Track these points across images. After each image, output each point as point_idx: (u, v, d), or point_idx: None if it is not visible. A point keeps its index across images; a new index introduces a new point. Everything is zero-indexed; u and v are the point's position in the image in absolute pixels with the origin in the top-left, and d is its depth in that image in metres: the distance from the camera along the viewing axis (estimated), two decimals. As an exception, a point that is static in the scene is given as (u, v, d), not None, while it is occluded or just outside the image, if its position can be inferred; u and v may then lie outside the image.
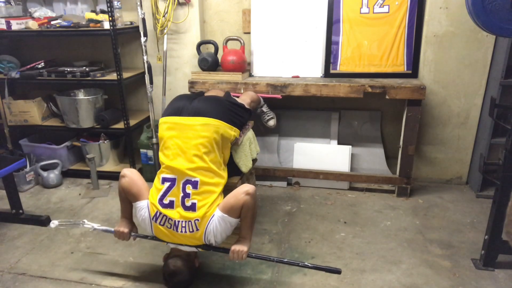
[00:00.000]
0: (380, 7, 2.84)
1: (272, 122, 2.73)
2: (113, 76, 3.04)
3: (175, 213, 1.83)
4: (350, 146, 3.04)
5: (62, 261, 2.26)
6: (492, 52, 2.76)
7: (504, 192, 1.94)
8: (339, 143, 3.16)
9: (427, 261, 2.19)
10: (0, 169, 2.42)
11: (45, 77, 3.08)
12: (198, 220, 1.81)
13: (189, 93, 2.95)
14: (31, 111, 3.23)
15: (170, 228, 1.85)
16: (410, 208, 2.77)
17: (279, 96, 2.83)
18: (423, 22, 2.82)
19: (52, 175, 3.17)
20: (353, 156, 3.11)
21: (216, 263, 2.21)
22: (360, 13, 2.88)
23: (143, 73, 3.06)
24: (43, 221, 2.62)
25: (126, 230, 2.03)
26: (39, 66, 3.23)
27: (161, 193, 1.86)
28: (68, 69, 3.14)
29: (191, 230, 1.82)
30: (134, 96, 3.53)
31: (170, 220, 1.83)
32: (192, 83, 2.97)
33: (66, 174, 3.33)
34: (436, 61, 2.86)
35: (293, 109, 3.28)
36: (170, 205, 1.84)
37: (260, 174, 3.03)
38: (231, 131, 1.99)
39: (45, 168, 3.21)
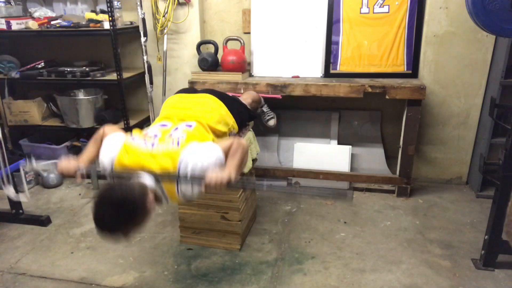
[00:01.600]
0: (380, 7, 2.84)
1: (272, 122, 2.73)
2: (113, 76, 3.04)
3: (159, 140, 1.60)
4: (350, 146, 3.03)
5: (62, 261, 2.26)
6: (492, 52, 2.76)
7: (504, 192, 1.94)
8: (339, 143, 3.16)
9: (427, 261, 2.19)
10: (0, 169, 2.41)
11: (45, 77, 3.08)
12: (183, 137, 1.60)
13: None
14: (31, 111, 3.22)
15: (145, 146, 1.56)
16: (410, 208, 2.77)
17: (279, 96, 2.83)
18: (423, 22, 2.82)
19: (52, 175, 3.17)
20: (353, 156, 3.11)
21: (216, 263, 2.21)
22: (360, 13, 2.88)
23: (143, 73, 3.06)
24: (43, 221, 2.62)
25: (72, 163, 1.63)
26: (39, 66, 3.23)
27: (148, 128, 1.72)
28: (68, 69, 3.13)
29: (170, 146, 1.56)
30: (134, 96, 3.53)
31: (149, 140, 1.59)
32: (192, 83, 2.97)
33: (66, 174, 3.32)
34: (436, 61, 2.86)
35: (293, 109, 3.28)
36: (156, 135, 1.64)
37: (260, 174, 3.02)
38: (230, 120, 2.00)
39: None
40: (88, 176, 1.57)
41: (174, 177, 1.50)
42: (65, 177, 1.65)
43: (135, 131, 1.69)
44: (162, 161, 1.51)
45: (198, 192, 1.55)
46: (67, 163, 1.62)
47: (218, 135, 1.86)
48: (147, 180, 1.48)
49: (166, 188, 1.53)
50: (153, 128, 1.73)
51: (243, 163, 1.59)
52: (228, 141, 1.63)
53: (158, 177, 1.50)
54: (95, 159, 1.68)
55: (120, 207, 1.34)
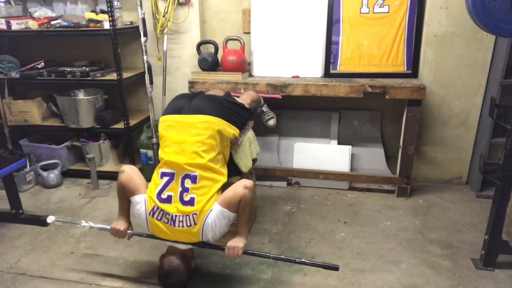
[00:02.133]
0: (380, 7, 2.84)
1: (272, 122, 2.73)
2: (113, 76, 3.04)
3: (173, 208, 1.82)
4: (350, 146, 3.03)
5: (62, 261, 2.26)
6: (492, 52, 2.76)
7: (504, 192, 1.94)
8: (339, 143, 3.16)
9: (427, 261, 2.19)
10: (0, 169, 2.42)
11: (45, 77, 3.08)
12: (196, 214, 1.80)
13: (189, 92, 2.96)
14: (31, 111, 3.23)
15: (167, 223, 1.84)
16: (410, 208, 2.77)
17: (279, 96, 2.83)
18: (423, 22, 2.82)
19: (52, 175, 3.17)
20: (353, 156, 3.11)
21: (216, 263, 2.21)
22: (360, 13, 2.88)
23: (143, 73, 3.06)
24: (43, 221, 2.61)
25: (122, 227, 2.01)
26: (39, 66, 3.23)
27: (159, 187, 1.86)
28: (68, 69, 3.14)
29: (188, 224, 1.81)
30: (134, 96, 3.53)
31: (168, 214, 1.83)
32: (192, 83, 2.97)
33: (66, 174, 3.32)
34: (436, 61, 2.86)
35: (293, 109, 3.28)
36: (168, 199, 1.84)
37: (260, 174, 3.02)
38: (230, 130, 2.00)
39: (45, 168, 3.21)
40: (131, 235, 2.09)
41: (200, 245, 1.91)
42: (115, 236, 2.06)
43: (150, 188, 1.91)
44: (188, 238, 1.88)
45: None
46: (118, 229, 2.01)
47: (220, 157, 1.97)
48: (182, 246, 1.94)
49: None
50: (163, 183, 1.88)
51: (252, 213, 1.94)
52: (235, 195, 1.82)
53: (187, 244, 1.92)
54: (129, 209, 2.06)
55: (182, 283, 1.97)
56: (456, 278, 2.05)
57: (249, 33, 3.12)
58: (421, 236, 2.43)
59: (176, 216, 1.82)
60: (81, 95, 3.31)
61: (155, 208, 1.85)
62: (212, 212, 1.81)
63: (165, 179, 1.87)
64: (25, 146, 3.39)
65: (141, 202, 1.90)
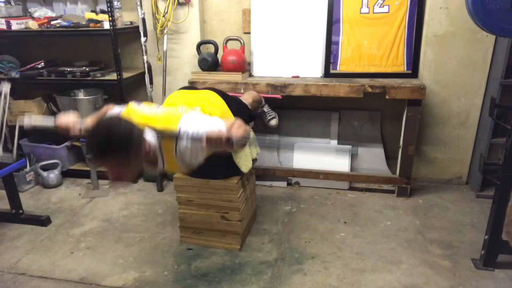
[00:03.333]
0: (380, 7, 2.84)
1: (274, 122, 2.73)
2: (113, 76, 3.04)
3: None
4: (350, 146, 3.03)
5: (62, 261, 2.26)
6: (492, 52, 2.76)
7: (504, 192, 1.94)
8: (339, 143, 3.16)
9: (427, 261, 2.19)
10: (0, 169, 2.42)
11: (45, 77, 3.08)
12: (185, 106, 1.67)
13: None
14: (31, 111, 3.22)
15: (148, 110, 1.62)
16: (410, 208, 2.77)
17: (279, 96, 2.83)
18: (423, 22, 2.82)
19: (52, 175, 3.17)
20: (353, 156, 3.11)
21: (216, 263, 2.21)
22: (360, 13, 2.88)
23: (143, 73, 3.06)
24: (43, 221, 2.62)
25: (71, 115, 1.67)
26: (39, 66, 3.23)
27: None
28: (68, 69, 3.14)
29: (174, 111, 1.62)
30: (134, 96, 3.53)
31: (150, 107, 1.65)
32: (192, 83, 2.97)
33: (66, 174, 3.32)
34: (436, 61, 2.86)
35: (293, 109, 3.28)
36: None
37: (260, 174, 3.02)
38: (230, 117, 2.00)
39: (45, 168, 3.21)
40: (81, 136, 1.68)
41: (174, 134, 1.50)
42: (62, 131, 1.63)
43: (143, 103, 1.71)
44: (165, 122, 1.52)
45: (196, 152, 1.53)
46: (66, 115, 1.63)
47: None
48: (148, 135, 1.47)
49: (165, 147, 1.53)
50: (159, 107, 1.74)
51: (245, 137, 1.50)
52: (230, 119, 1.66)
53: (158, 133, 1.50)
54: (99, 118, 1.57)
55: (117, 131, 1.33)
56: (456, 278, 2.05)
57: (249, 33, 3.12)
58: (421, 236, 2.43)
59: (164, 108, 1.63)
60: (81, 95, 3.31)
61: (143, 104, 1.66)
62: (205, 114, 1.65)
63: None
64: (25, 146, 3.39)
65: (124, 106, 1.65)
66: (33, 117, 1.77)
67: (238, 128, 1.49)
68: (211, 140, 1.45)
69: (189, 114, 1.57)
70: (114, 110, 1.67)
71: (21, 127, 1.75)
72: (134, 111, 1.59)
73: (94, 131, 1.36)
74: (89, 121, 1.64)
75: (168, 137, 1.51)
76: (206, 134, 1.46)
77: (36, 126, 1.72)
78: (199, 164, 1.62)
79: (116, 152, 1.32)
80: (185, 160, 1.56)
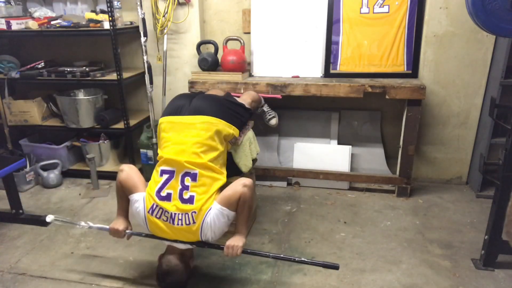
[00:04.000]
0: (380, 7, 2.84)
1: (274, 121, 2.73)
2: (113, 76, 3.04)
3: (172, 206, 1.81)
4: (350, 146, 3.03)
5: (62, 261, 2.26)
6: (492, 52, 2.76)
7: (504, 192, 1.94)
8: (339, 143, 3.16)
9: (427, 261, 2.19)
10: (0, 169, 2.42)
11: (45, 77, 3.08)
12: (195, 212, 1.79)
13: (188, 92, 2.96)
14: (31, 111, 3.23)
15: (166, 221, 1.82)
16: (410, 208, 2.77)
17: (279, 96, 2.83)
18: (423, 22, 2.82)
19: (52, 175, 3.17)
20: (353, 156, 3.11)
21: (216, 263, 2.21)
22: (360, 13, 2.88)
23: (143, 73, 3.06)
24: (43, 221, 2.61)
25: (121, 227, 2.00)
26: (39, 66, 3.23)
27: (159, 185, 1.85)
28: (68, 69, 3.14)
29: (187, 222, 1.80)
30: (134, 96, 3.53)
31: (167, 212, 1.81)
32: (192, 83, 2.97)
33: (66, 174, 3.32)
34: (436, 61, 2.86)
35: (293, 109, 3.28)
36: (168, 197, 1.83)
37: (260, 174, 3.02)
38: (230, 130, 2.00)
39: (45, 168, 3.21)
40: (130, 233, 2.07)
41: (199, 244, 1.91)
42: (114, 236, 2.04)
43: (150, 186, 1.90)
44: (186, 236, 1.86)
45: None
46: (117, 228, 2.00)
47: (220, 157, 1.96)
48: (181, 245, 1.92)
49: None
50: (163, 180, 1.87)
51: (251, 212, 1.88)
52: (235, 193, 1.81)
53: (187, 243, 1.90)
54: (128, 208, 2.04)
55: (181, 283, 1.95)
56: (456, 278, 2.05)
57: (249, 33, 3.12)
58: (421, 236, 2.43)
59: (175, 214, 1.80)
60: (81, 95, 3.31)
61: (154, 206, 1.84)
62: (211, 211, 1.80)
63: (165, 176, 1.86)
64: (25, 146, 3.39)
65: (140, 200, 1.88)
66: (91, 223, 2.13)
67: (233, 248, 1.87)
68: (227, 255, 1.89)
69: (203, 227, 1.81)
70: (132, 199, 1.96)
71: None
72: (153, 221, 1.86)
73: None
74: (124, 214, 2.08)
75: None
76: (224, 250, 1.88)
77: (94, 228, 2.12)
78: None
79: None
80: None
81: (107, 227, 2.04)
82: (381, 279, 2.05)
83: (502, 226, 1.96)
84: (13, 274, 2.15)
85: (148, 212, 1.85)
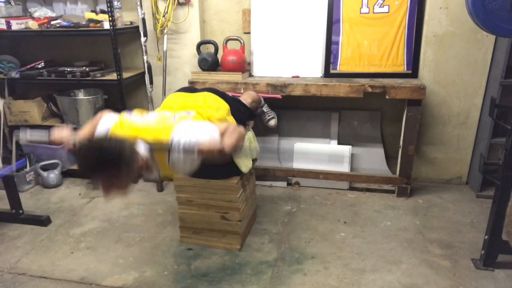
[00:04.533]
0: (380, 7, 2.84)
1: (273, 122, 2.73)
2: (113, 76, 3.04)
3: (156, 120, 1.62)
4: (350, 146, 3.03)
5: (62, 261, 2.26)
6: (492, 52, 2.75)
7: (504, 192, 1.94)
8: (339, 143, 3.16)
9: (427, 261, 2.19)
10: (0, 169, 2.41)
11: (45, 77, 3.07)
12: (178, 115, 1.64)
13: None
14: (31, 111, 3.22)
15: (140, 120, 1.60)
16: (410, 208, 2.77)
17: (279, 96, 2.83)
18: (423, 22, 2.82)
19: (52, 175, 3.17)
20: (353, 156, 3.11)
21: (216, 263, 2.21)
22: (360, 13, 2.88)
23: (143, 73, 3.06)
24: (43, 221, 2.62)
25: (65, 129, 1.66)
26: (39, 66, 3.23)
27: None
28: (68, 69, 3.13)
29: (166, 122, 1.59)
30: (134, 96, 3.53)
31: (145, 117, 1.63)
32: (192, 83, 2.97)
33: (66, 174, 3.32)
34: (436, 61, 2.86)
35: (293, 109, 3.28)
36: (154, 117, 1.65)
37: (260, 174, 3.02)
38: (229, 117, 2.00)
39: (45, 168, 3.21)
40: (77, 148, 1.55)
41: (166, 146, 1.51)
42: (56, 144, 1.63)
43: (135, 110, 1.72)
44: (157, 133, 1.53)
45: (189, 162, 1.55)
46: (60, 129, 1.64)
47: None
48: (140, 147, 1.48)
49: (158, 158, 1.54)
50: (153, 113, 1.74)
51: (239, 144, 1.56)
52: (225, 123, 1.65)
53: (151, 146, 1.51)
54: (89, 137, 1.63)
55: (107, 151, 1.34)
56: (456, 278, 2.05)
57: (249, 33, 3.12)
58: (421, 236, 2.43)
59: (157, 114, 1.61)
60: (81, 95, 3.31)
61: (135, 113, 1.65)
62: (196, 121, 1.62)
63: (157, 113, 1.71)
64: (25, 146, 3.37)
65: (117, 116, 1.64)
66: (29, 132, 1.76)
67: (231, 133, 1.53)
68: (203, 151, 1.47)
69: (181, 124, 1.56)
70: (107, 118, 1.67)
71: (17, 142, 1.81)
72: (126, 123, 1.61)
73: (84, 153, 1.37)
74: (83, 133, 1.66)
75: (161, 149, 1.53)
76: (198, 145, 1.47)
77: (32, 141, 1.76)
78: (194, 170, 1.63)
79: (108, 170, 1.35)
80: (179, 168, 1.58)
81: (48, 130, 1.72)
82: (381, 279, 2.05)
83: (502, 226, 1.96)
84: (13, 274, 2.15)
85: (123, 116, 1.63)
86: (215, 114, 1.85)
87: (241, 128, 1.63)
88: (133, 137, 1.49)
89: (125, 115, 1.67)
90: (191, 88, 2.13)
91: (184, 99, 1.92)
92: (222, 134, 1.55)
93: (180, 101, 1.89)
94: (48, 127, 3.23)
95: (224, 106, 1.96)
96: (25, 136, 1.76)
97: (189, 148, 1.49)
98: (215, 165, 1.81)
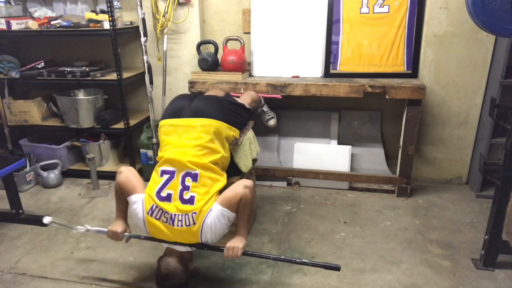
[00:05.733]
0: (380, 7, 2.84)
1: (272, 122, 2.73)
2: (113, 76, 3.04)
3: (172, 207, 1.79)
4: (350, 146, 3.04)
5: (62, 261, 2.26)
6: (492, 52, 2.76)
7: (504, 192, 1.94)
8: (339, 143, 3.16)
9: (427, 261, 2.19)
10: (0, 169, 2.42)
11: (45, 77, 3.08)
12: (195, 213, 1.77)
13: (189, 93, 2.96)
14: (31, 111, 3.23)
15: (166, 222, 1.80)
16: (410, 208, 2.77)
17: (279, 96, 2.83)
18: (423, 22, 2.82)
19: (52, 175, 3.17)
20: (353, 156, 3.11)
21: (216, 263, 2.21)
22: (360, 13, 2.88)
23: (143, 73, 3.06)
24: (43, 222, 2.61)
25: (119, 229, 1.98)
26: (39, 66, 3.23)
27: (159, 185, 1.83)
28: (68, 69, 3.13)
29: (187, 224, 1.78)
30: (134, 96, 3.53)
31: (167, 213, 1.79)
32: (192, 83, 2.97)
33: (66, 174, 3.33)
34: (436, 61, 2.86)
35: (293, 109, 3.28)
36: (168, 198, 1.81)
37: (260, 174, 3.02)
38: (231, 132, 2.00)
39: (45, 168, 3.21)
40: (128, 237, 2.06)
41: (199, 246, 1.88)
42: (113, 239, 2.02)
43: (149, 186, 1.88)
44: (186, 238, 1.84)
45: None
46: (115, 231, 1.98)
47: (220, 160, 1.95)
48: (180, 248, 1.90)
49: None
50: (163, 181, 1.85)
51: (252, 214, 1.88)
52: (236, 194, 1.80)
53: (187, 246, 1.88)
54: (127, 211, 2.02)
55: (180, 286, 1.91)
56: (456, 278, 2.05)
57: (249, 33, 3.12)
58: (421, 236, 2.43)
59: (175, 215, 1.79)
60: (81, 95, 3.31)
61: (154, 206, 1.82)
62: (212, 212, 1.79)
63: (165, 177, 1.85)
64: (25, 146, 3.39)
65: (139, 202, 1.87)
66: (89, 227, 2.10)
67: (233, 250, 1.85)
68: (227, 257, 1.87)
69: (204, 227, 1.79)
70: (130, 200, 1.94)
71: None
72: (152, 222, 1.85)
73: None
74: (123, 216, 2.05)
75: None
76: (224, 252, 1.86)
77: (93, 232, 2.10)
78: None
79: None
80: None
81: (105, 230, 2.02)
82: (381, 279, 2.05)
83: (502, 226, 1.96)
84: (13, 274, 2.15)
85: (148, 213, 1.83)
86: (215, 145, 1.92)
87: (248, 183, 1.85)
88: (166, 238, 1.86)
89: (145, 203, 1.87)
90: (188, 96, 2.11)
91: (179, 138, 1.92)
92: (236, 207, 1.83)
93: (177, 144, 1.90)
94: (48, 131, 3.27)
95: (222, 127, 1.95)
96: (86, 228, 2.10)
97: (215, 240, 1.88)
98: None
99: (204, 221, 1.78)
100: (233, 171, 2.20)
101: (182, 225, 1.79)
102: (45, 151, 3.34)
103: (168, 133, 1.95)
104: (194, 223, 1.78)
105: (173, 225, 1.80)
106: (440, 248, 2.31)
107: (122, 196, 1.98)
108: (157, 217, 1.82)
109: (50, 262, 2.25)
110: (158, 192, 1.83)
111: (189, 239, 1.84)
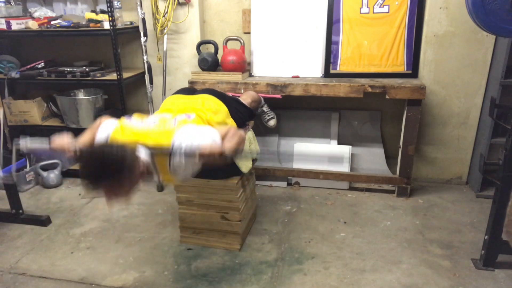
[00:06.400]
0: (380, 7, 2.84)
1: (272, 122, 2.73)
2: (113, 76, 3.04)
3: (156, 124, 1.63)
4: (350, 146, 3.03)
5: (62, 261, 2.26)
6: (492, 52, 2.75)
7: (504, 192, 1.94)
8: (339, 143, 3.16)
9: (427, 261, 2.19)
10: (0, 169, 2.41)
11: (45, 77, 3.08)
12: (179, 118, 1.65)
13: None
14: (31, 111, 3.23)
15: (141, 125, 1.61)
16: (410, 208, 2.77)
17: (279, 96, 2.83)
18: (423, 22, 2.82)
19: (52, 175, 3.17)
20: (353, 156, 3.11)
21: (216, 263, 2.21)
22: (360, 13, 2.88)
23: (143, 73, 3.06)
24: (43, 221, 2.62)
25: (66, 137, 1.67)
26: (39, 66, 3.23)
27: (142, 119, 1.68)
28: (68, 69, 3.14)
29: (167, 126, 1.60)
30: (134, 96, 3.53)
31: (145, 122, 1.63)
32: (192, 83, 2.97)
33: (66, 174, 3.32)
34: (436, 61, 2.86)
35: (293, 109, 3.28)
36: (154, 122, 1.65)
37: (260, 174, 3.02)
38: (229, 122, 2.00)
39: (45, 168, 3.21)
40: (78, 155, 1.61)
41: (167, 150, 1.51)
42: (57, 152, 1.64)
43: (135, 115, 1.72)
44: (158, 138, 1.53)
45: (190, 166, 1.55)
46: (60, 137, 1.64)
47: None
48: (141, 153, 1.48)
49: (159, 163, 1.53)
50: (152, 117, 1.74)
51: (240, 148, 1.55)
52: (225, 127, 1.66)
53: (152, 150, 1.50)
54: (90, 143, 1.64)
55: (108, 158, 1.34)
56: (456, 278, 2.05)
57: (249, 33, 3.12)
58: (421, 236, 2.43)
59: (158, 124, 1.60)
60: (81, 95, 3.31)
61: (135, 118, 1.65)
62: (200, 126, 1.62)
63: (157, 115, 1.71)
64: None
65: (117, 121, 1.64)
66: (29, 140, 1.75)
67: (232, 137, 1.54)
68: (204, 155, 1.47)
69: (182, 128, 1.56)
70: (107, 124, 1.66)
71: (17, 150, 1.81)
72: (126, 128, 1.61)
73: (86, 160, 1.38)
74: (83, 140, 1.67)
75: (162, 154, 1.52)
76: (199, 150, 1.47)
77: (32, 149, 1.75)
78: (193, 175, 1.64)
79: (111, 178, 1.34)
80: (180, 173, 1.57)
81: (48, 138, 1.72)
82: (381, 279, 2.05)
83: (502, 226, 1.96)
84: (13, 274, 2.15)
85: (124, 121, 1.64)
86: (215, 117, 1.85)
87: (241, 132, 1.63)
88: (134, 142, 1.49)
89: (124, 120, 1.67)
90: (190, 89, 2.12)
91: (184, 101, 1.91)
92: (223, 138, 1.56)
93: (180, 103, 1.89)
94: (48, 131, 3.26)
95: (223, 109, 1.96)
96: (25, 144, 1.75)
97: (190, 152, 1.48)
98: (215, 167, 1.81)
99: (185, 125, 1.60)
100: (233, 171, 2.20)
101: (159, 128, 1.60)
102: (45, 151, 3.33)
103: (170, 99, 1.94)
104: (174, 125, 1.61)
105: (148, 127, 1.60)
106: (440, 248, 2.31)
107: (96, 128, 1.70)
108: (133, 123, 1.63)
109: (50, 262, 2.25)
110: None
111: (159, 141, 1.55)
